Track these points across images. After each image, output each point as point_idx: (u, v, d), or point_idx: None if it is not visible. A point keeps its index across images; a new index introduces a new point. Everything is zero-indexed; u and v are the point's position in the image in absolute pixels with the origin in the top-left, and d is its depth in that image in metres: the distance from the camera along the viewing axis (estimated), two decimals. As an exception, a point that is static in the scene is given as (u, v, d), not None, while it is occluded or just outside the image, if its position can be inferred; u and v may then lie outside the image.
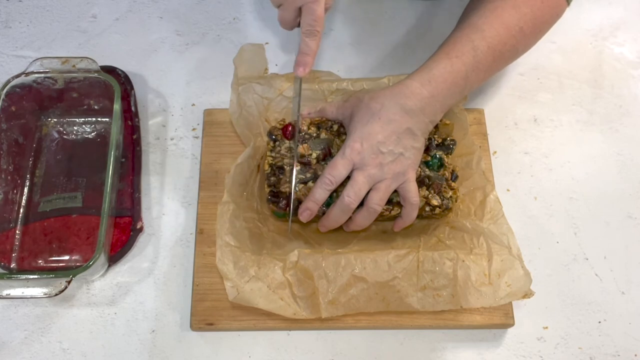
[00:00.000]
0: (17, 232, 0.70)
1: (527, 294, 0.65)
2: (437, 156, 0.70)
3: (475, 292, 0.64)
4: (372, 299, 0.65)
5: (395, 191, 0.68)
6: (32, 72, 0.72)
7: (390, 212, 0.68)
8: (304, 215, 0.65)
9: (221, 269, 0.65)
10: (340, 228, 0.70)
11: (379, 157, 0.63)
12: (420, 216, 0.69)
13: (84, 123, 0.77)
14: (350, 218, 0.66)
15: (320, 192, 0.64)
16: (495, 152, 0.76)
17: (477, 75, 0.66)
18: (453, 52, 0.65)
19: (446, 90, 0.64)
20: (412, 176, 0.64)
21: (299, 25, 0.66)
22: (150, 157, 0.76)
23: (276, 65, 0.82)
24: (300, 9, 0.64)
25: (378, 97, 0.64)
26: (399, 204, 0.68)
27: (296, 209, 0.67)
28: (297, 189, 0.68)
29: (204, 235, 0.70)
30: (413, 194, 0.64)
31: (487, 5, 0.67)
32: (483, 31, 0.65)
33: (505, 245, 0.67)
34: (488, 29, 0.65)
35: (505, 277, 0.65)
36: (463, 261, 0.65)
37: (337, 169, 0.63)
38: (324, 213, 0.67)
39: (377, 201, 0.64)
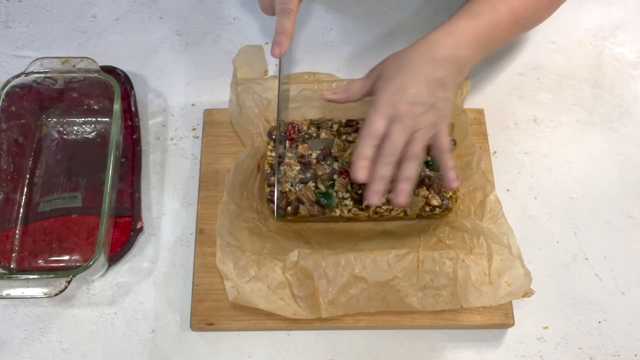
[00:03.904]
0: (17, 232, 0.70)
1: (527, 293, 0.65)
2: (437, 156, 0.70)
3: (475, 291, 0.64)
4: (372, 298, 0.65)
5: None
6: (32, 72, 0.72)
7: (390, 213, 0.68)
8: (360, 173, 0.60)
9: (221, 269, 0.65)
10: (338, 228, 0.70)
11: (413, 108, 0.60)
12: (420, 216, 0.69)
13: (84, 123, 0.77)
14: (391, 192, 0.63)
15: (365, 148, 0.60)
16: (495, 152, 0.76)
17: (498, 34, 0.66)
18: (475, 9, 0.65)
19: (469, 42, 0.64)
20: (444, 127, 0.63)
21: None
22: (150, 157, 0.76)
23: (276, 65, 0.82)
24: None
25: (404, 52, 0.64)
26: (399, 204, 0.68)
27: (296, 209, 0.67)
28: (297, 188, 0.68)
29: (204, 235, 0.70)
30: (444, 143, 0.62)
31: None
32: None
33: (505, 244, 0.67)
34: None
35: (505, 277, 0.65)
36: (463, 260, 0.65)
37: (373, 125, 0.60)
38: (323, 213, 0.67)
39: (417, 151, 0.61)
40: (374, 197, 0.60)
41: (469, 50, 0.64)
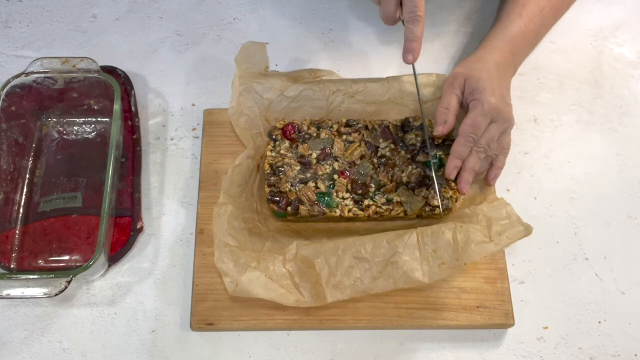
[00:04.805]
0: (17, 232, 0.70)
1: (527, 233, 0.65)
2: (437, 156, 0.70)
3: (476, 246, 0.63)
4: (376, 278, 0.63)
5: (396, 191, 0.69)
6: (32, 72, 0.72)
7: (390, 213, 0.68)
8: (453, 172, 0.67)
9: (220, 267, 0.65)
10: (338, 228, 0.70)
11: (507, 108, 0.68)
12: (420, 216, 0.69)
13: (84, 123, 0.77)
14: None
15: (463, 149, 0.66)
16: (495, 152, 0.76)
17: (543, 32, 0.75)
18: (525, 13, 0.72)
19: (522, 48, 0.73)
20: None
21: (399, 19, 0.67)
22: (150, 157, 0.76)
23: (276, 65, 0.82)
24: (400, 1, 0.65)
25: (480, 60, 0.70)
26: (399, 204, 0.68)
27: (296, 209, 0.67)
28: (297, 188, 0.68)
29: (204, 235, 0.70)
30: (509, 142, 0.71)
31: None
32: None
33: (505, 216, 0.66)
34: None
35: (506, 234, 0.65)
36: (461, 226, 0.64)
37: (480, 127, 0.66)
38: (323, 213, 0.67)
39: (509, 145, 0.71)
40: (466, 187, 0.67)
41: (521, 55, 0.74)
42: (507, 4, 0.74)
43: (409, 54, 0.65)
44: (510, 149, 0.77)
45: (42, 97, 0.74)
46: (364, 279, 0.63)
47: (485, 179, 0.71)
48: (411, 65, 0.67)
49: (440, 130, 0.68)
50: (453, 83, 0.69)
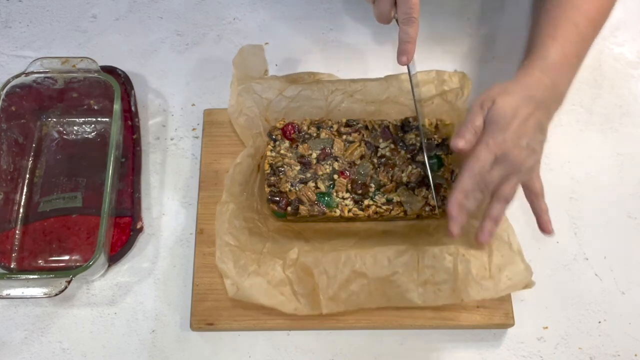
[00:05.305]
0: (17, 232, 0.70)
1: (528, 285, 0.64)
2: (437, 156, 0.70)
3: (476, 285, 0.64)
4: (372, 294, 0.64)
5: (396, 191, 0.69)
6: (32, 72, 0.72)
7: (390, 213, 0.68)
8: (455, 208, 0.61)
9: (221, 268, 0.65)
10: (338, 228, 0.70)
11: (520, 153, 0.61)
12: (420, 216, 0.69)
13: (84, 123, 0.77)
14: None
15: (467, 182, 0.61)
16: (495, 152, 0.76)
17: (584, 50, 0.67)
18: (558, 34, 0.65)
19: (565, 74, 0.65)
20: (538, 171, 0.64)
21: (393, 18, 0.65)
22: (150, 157, 0.76)
23: (276, 65, 0.82)
24: (394, 1, 0.64)
25: (509, 92, 0.63)
26: (399, 204, 0.68)
27: (296, 209, 0.67)
28: (297, 188, 0.68)
29: (204, 235, 0.70)
30: (538, 187, 0.64)
31: None
32: (578, 7, 0.66)
33: (506, 241, 0.66)
34: (582, 3, 0.66)
35: (506, 271, 0.64)
36: (463, 255, 0.64)
37: (482, 162, 0.61)
38: (323, 213, 0.67)
39: (509, 193, 0.63)
40: (487, 238, 0.63)
41: (565, 83, 0.65)
42: (538, 28, 0.67)
43: (403, 55, 0.64)
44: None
45: (42, 97, 0.74)
46: (360, 294, 0.64)
47: (541, 229, 0.66)
48: (406, 66, 0.66)
49: (460, 144, 0.62)
50: (482, 104, 0.64)
